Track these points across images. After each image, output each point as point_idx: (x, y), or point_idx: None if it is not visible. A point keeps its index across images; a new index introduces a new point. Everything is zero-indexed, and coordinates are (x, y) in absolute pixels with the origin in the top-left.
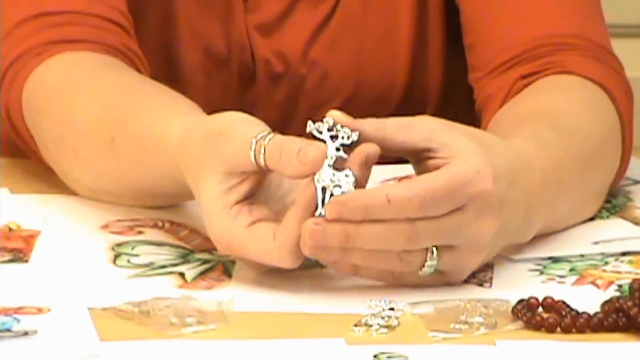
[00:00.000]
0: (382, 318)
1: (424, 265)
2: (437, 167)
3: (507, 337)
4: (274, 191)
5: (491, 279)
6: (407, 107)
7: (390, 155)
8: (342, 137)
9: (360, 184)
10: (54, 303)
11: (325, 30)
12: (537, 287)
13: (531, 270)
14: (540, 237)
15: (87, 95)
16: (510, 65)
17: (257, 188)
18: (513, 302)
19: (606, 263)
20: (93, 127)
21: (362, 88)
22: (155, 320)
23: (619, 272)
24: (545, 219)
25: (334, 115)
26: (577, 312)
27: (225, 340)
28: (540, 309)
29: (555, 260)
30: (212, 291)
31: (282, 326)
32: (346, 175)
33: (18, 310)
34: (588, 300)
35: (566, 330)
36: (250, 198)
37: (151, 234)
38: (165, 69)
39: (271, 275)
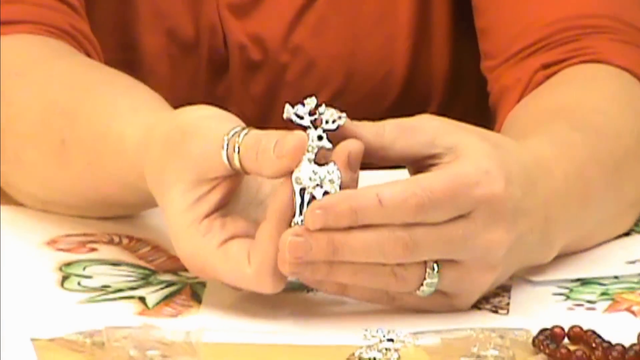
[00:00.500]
0: (380, 351)
1: (422, 284)
2: None
3: None
4: (254, 195)
5: (508, 304)
6: (407, 102)
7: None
8: (327, 122)
9: (345, 186)
10: None
11: (311, 10)
12: (563, 315)
13: (555, 294)
14: (566, 255)
15: (29, 90)
16: (530, 53)
17: (231, 195)
18: (534, 332)
19: None
20: (38, 128)
21: (353, 79)
22: (111, 353)
23: None
24: (568, 235)
25: None
26: (609, 343)
27: None
28: (566, 340)
29: (583, 282)
30: (178, 319)
31: None
32: (329, 172)
33: None
34: (622, 329)
35: None
36: (223, 208)
37: (106, 252)
38: (122, 56)
39: (248, 300)
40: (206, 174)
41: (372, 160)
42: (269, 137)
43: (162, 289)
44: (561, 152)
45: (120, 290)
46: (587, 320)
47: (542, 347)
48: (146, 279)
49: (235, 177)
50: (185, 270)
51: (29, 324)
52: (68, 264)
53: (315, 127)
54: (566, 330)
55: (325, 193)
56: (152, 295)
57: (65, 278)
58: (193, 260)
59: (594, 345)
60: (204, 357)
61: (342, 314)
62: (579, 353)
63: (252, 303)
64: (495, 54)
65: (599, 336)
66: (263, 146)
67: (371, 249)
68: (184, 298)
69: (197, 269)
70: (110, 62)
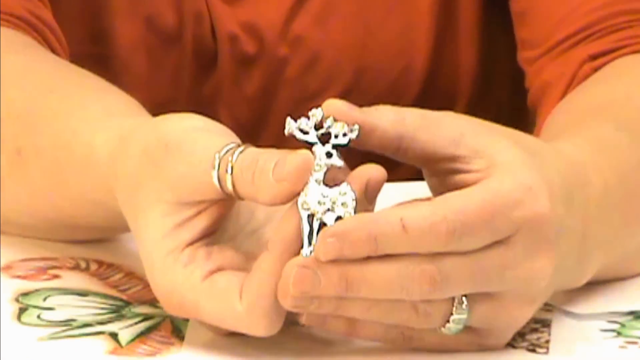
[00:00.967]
0: None
1: (448, 320)
2: (466, 185)
3: None
4: (245, 222)
5: (548, 342)
6: (428, 102)
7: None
8: (336, 136)
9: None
10: None
11: None
12: (613, 354)
13: (604, 330)
14: (616, 284)
15: None
16: (575, 42)
17: (220, 222)
18: None
19: None
20: None
21: (364, 76)
22: None
23: None
24: (607, 255)
25: (330, 105)
26: None
27: None
28: None
29: (637, 315)
30: (157, 358)
31: None
32: (341, 194)
33: None
34: None
35: None
36: (208, 237)
37: (71, 279)
38: (92, 49)
39: (238, 337)
40: (191, 196)
41: (386, 152)
42: (268, 157)
43: (137, 323)
44: (601, 156)
45: (88, 325)
46: None
47: None
48: (118, 312)
49: (226, 202)
50: None
51: None
52: (26, 294)
53: (323, 143)
54: None
55: (338, 218)
56: (126, 330)
57: (22, 310)
58: (170, 295)
59: None
60: None
61: (348, 353)
62: None
63: (243, 341)
64: (535, 43)
65: None
66: (260, 167)
67: (392, 285)
68: (163, 334)
69: (175, 305)
70: (78, 56)
